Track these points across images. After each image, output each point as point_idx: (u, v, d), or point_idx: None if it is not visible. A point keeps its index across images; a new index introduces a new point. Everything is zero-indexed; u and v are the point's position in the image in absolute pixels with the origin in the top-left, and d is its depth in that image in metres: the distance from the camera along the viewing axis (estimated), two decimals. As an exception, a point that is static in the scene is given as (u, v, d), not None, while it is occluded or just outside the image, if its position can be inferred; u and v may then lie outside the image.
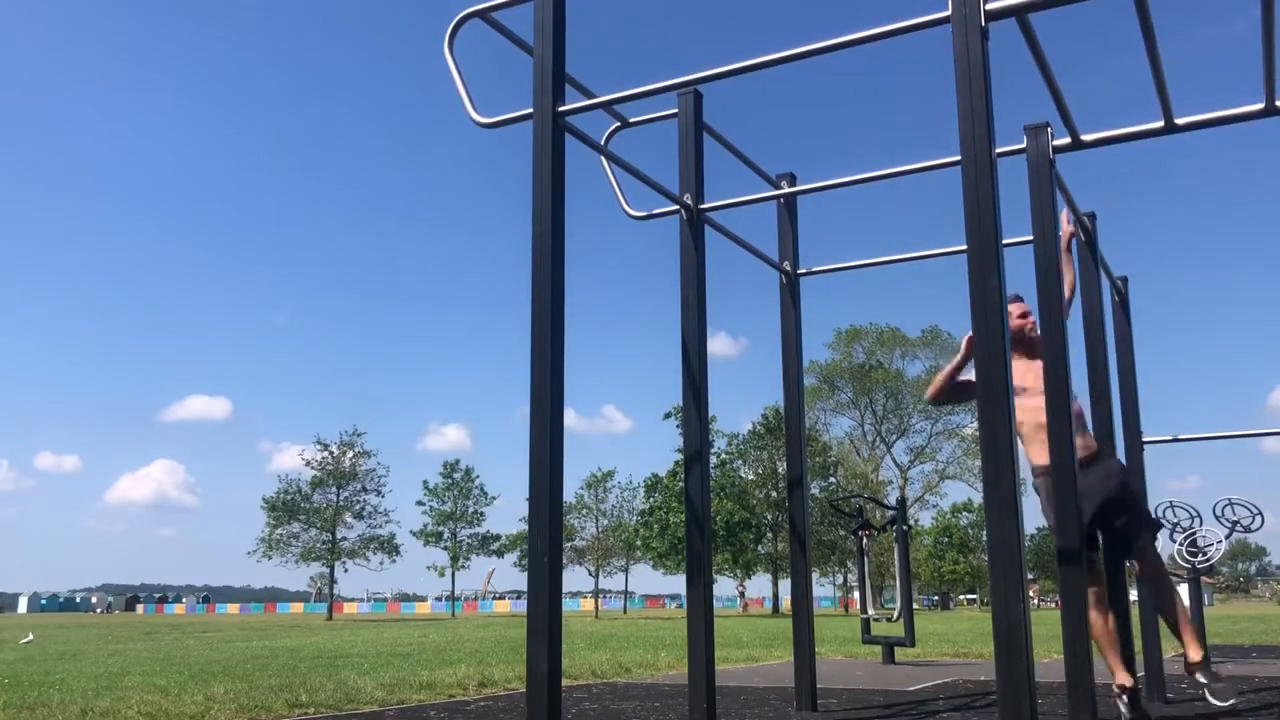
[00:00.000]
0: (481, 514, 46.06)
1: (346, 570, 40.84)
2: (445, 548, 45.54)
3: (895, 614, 9.53)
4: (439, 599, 79.32)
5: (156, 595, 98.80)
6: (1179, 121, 4.02)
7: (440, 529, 45.46)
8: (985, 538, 2.94)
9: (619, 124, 4.99)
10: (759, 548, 46.43)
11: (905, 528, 9.71)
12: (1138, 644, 4.93)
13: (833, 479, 49.31)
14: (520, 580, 70.01)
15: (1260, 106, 3.87)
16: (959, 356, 4.68)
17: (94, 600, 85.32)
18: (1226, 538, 9.38)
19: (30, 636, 15.89)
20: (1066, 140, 4.14)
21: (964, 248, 2.97)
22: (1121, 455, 5.38)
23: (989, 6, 3.06)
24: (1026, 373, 4.43)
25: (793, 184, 5.24)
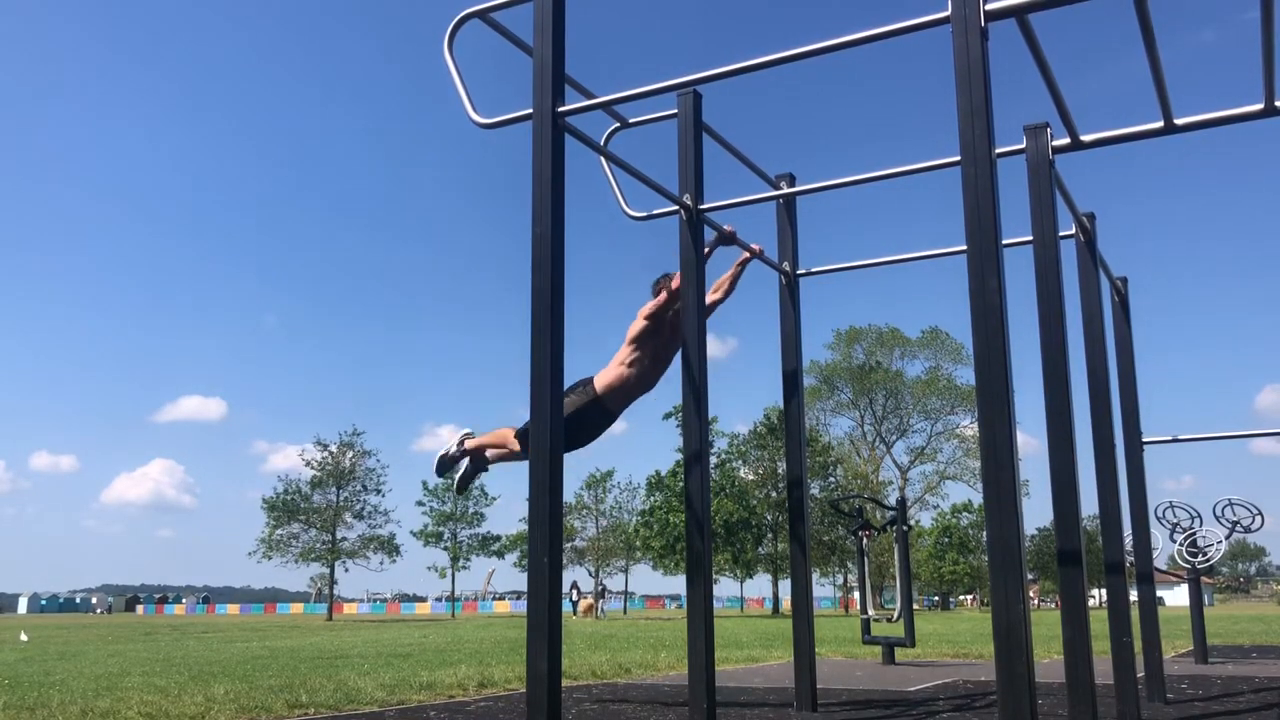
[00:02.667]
0: (481, 514, 46.04)
1: (347, 570, 40.84)
2: (445, 548, 45.50)
3: (895, 614, 9.53)
4: (439, 599, 79.30)
5: (156, 596, 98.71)
6: (1179, 122, 4.02)
7: (440, 529, 45.42)
8: (985, 538, 2.94)
9: (619, 124, 4.99)
10: (759, 548, 46.44)
11: (905, 528, 9.71)
12: (1137, 644, 4.93)
13: (833, 479, 49.31)
14: (520, 581, 70.06)
15: (1260, 106, 3.87)
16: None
17: (94, 601, 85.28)
18: (1226, 538, 9.40)
19: (25, 636, 15.80)
20: (1066, 140, 4.14)
21: (964, 248, 2.97)
22: (1121, 455, 5.38)
23: (989, 7, 3.06)
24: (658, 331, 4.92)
25: (792, 184, 5.24)
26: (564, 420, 4.64)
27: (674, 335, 4.85)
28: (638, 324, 4.85)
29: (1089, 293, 5.04)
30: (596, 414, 4.91)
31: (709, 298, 5.00)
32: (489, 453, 5.34)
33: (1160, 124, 4.04)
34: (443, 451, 5.40)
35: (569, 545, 43.89)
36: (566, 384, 4.47)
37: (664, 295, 4.79)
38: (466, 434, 5.40)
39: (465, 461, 5.36)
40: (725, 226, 4.82)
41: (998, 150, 3.15)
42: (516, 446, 5.10)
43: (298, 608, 77.42)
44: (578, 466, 59.08)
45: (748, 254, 5.10)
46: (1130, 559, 6.09)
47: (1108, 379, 5.07)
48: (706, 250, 4.68)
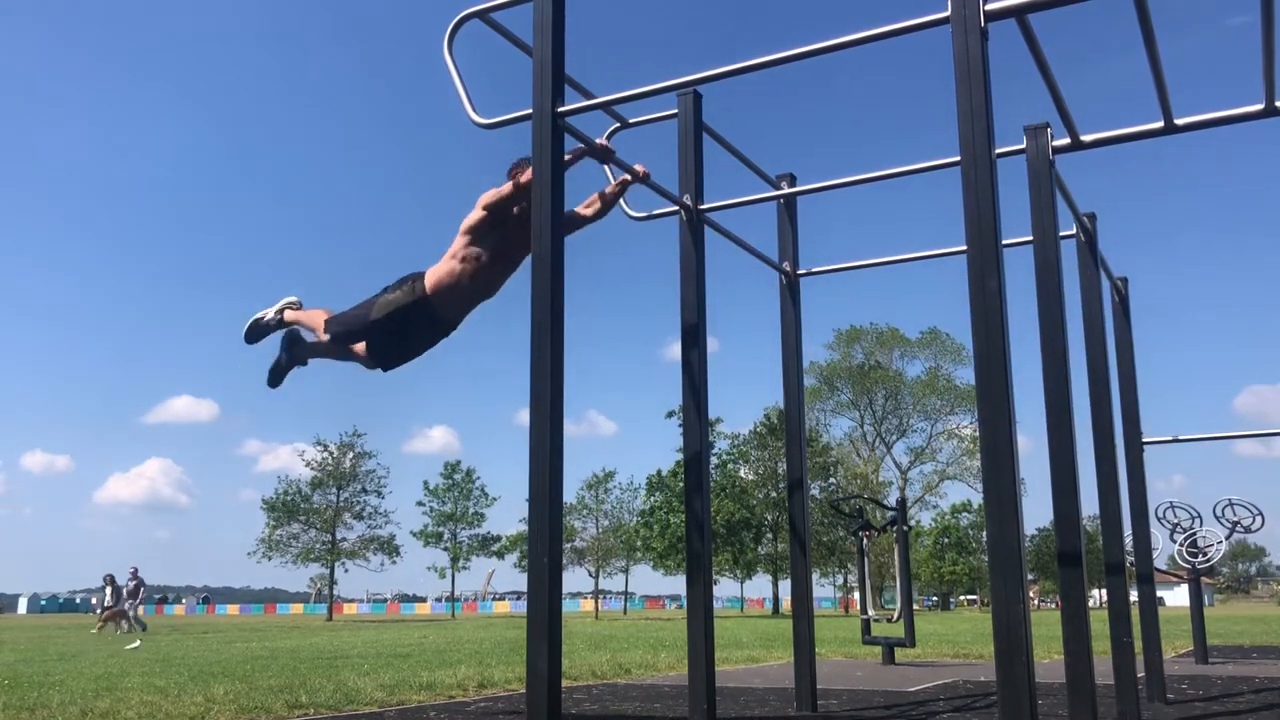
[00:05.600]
0: (482, 515, 46.03)
1: (346, 571, 40.82)
2: (445, 548, 45.50)
3: (895, 614, 9.53)
4: (439, 600, 79.38)
5: (156, 596, 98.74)
6: (1179, 122, 4.02)
7: (440, 530, 45.42)
8: (985, 538, 2.94)
9: (618, 124, 4.98)
10: (759, 548, 46.45)
11: (905, 528, 9.71)
12: (1137, 644, 4.93)
13: (833, 479, 49.34)
14: (520, 581, 70.05)
15: (1260, 107, 3.87)
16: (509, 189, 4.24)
17: (94, 601, 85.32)
18: (1226, 538, 9.40)
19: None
20: (1066, 141, 4.14)
21: (964, 248, 2.97)
22: (1121, 456, 5.38)
23: (989, 7, 3.06)
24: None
25: (793, 184, 5.24)
26: (380, 322, 4.22)
27: (520, 233, 4.18)
28: (475, 213, 4.22)
29: (1089, 293, 5.04)
30: (423, 319, 4.27)
31: (579, 210, 4.49)
32: (308, 339, 4.62)
33: (1160, 124, 4.04)
34: (259, 315, 4.67)
35: (569, 545, 43.85)
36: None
37: (509, 186, 4.17)
38: (291, 302, 4.68)
39: (282, 340, 4.65)
40: (597, 141, 4.32)
41: (998, 150, 3.15)
42: (325, 337, 4.46)
43: (298, 608, 77.48)
44: (578, 467, 59.06)
45: (629, 176, 4.48)
46: (1130, 559, 6.09)
47: (1108, 379, 5.07)
48: (567, 158, 3.96)
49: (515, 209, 4.22)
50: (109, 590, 23.80)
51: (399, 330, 4.29)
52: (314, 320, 4.53)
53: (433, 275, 4.26)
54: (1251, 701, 5.48)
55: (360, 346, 4.47)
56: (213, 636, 19.07)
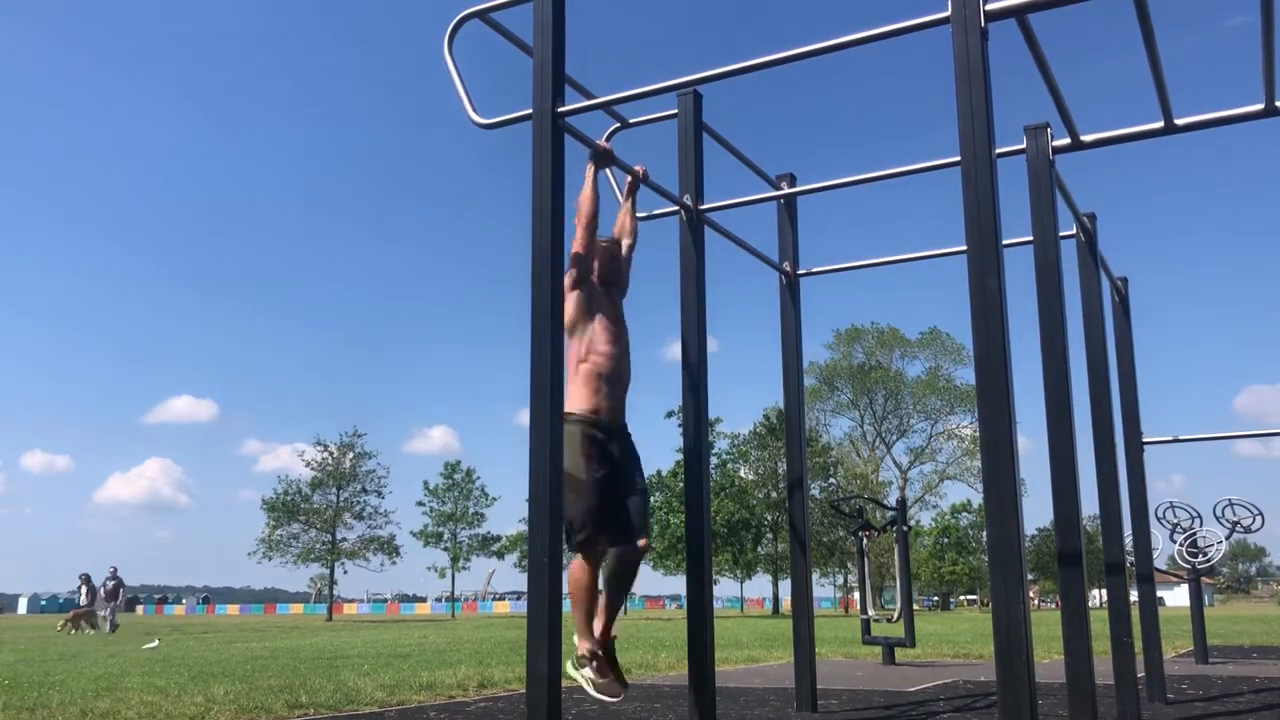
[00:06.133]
0: (482, 515, 46.06)
1: (346, 571, 40.80)
2: (445, 549, 45.50)
3: (895, 614, 9.53)
4: (439, 600, 79.35)
5: (156, 596, 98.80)
6: (1179, 122, 4.02)
7: (440, 530, 45.43)
8: (985, 538, 2.94)
9: (618, 125, 4.98)
10: (759, 548, 46.46)
11: (905, 528, 9.71)
12: (1137, 644, 4.93)
13: (833, 479, 49.36)
14: (520, 581, 70.07)
15: (1260, 107, 3.87)
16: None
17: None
18: (1226, 538, 9.40)
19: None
20: (1066, 141, 4.14)
21: (964, 248, 2.97)
22: (1121, 456, 5.38)
23: (989, 7, 3.06)
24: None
25: (793, 184, 5.24)
26: (594, 473, 3.84)
27: (609, 290, 4.22)
28: (567, 306, 3.98)
29: (1089, 293, 5.04)
30: (598, 439, 3.93)
31: (627, 246, 4.45)
32: (597, 624, 4.02)
33: (1160, 124, 4.04)
34: (591, 688, 3.98)
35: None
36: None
37: (571, 263, 4.03)
38: (589, 652, 3.99)
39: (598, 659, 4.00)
40: (598, 142, 4.18)
41: (998, 150, 3.15)
42: (589, 561, 3.94)
43: (298, 608, 77.44)
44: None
45: (632, 179, 4.50)
46: (1130, 559, 6.09)
47: (1108, 379, 5.07)
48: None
49: (593, 277, 4.15)
50: (84, 589, 23.57)
51: (607, 464, 3.93)
52: (578, 579, 3.97)
53: (574, 400, 3.95)
54: (1251, 701, 5.48)
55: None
56: (213, 636, 19.07)
